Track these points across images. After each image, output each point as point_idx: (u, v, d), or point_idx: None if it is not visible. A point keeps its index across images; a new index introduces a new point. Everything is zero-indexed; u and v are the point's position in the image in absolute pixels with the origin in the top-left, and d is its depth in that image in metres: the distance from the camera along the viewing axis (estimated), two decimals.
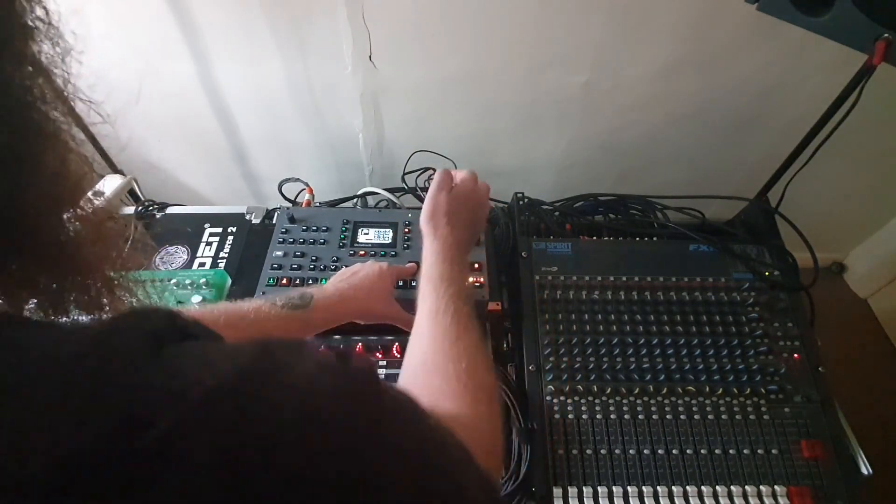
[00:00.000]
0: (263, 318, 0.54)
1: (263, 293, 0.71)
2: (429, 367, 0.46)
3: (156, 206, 1.01)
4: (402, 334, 0.76)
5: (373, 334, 0.75)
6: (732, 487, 0.64)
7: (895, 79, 0.74)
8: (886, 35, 0.59)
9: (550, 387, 0.71)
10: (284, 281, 0.72)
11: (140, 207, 1.00)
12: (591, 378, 0.71)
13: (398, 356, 0.74)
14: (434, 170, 1.02)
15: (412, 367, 0.47)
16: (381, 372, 0.73)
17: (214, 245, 0.94)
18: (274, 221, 0.86)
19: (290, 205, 0.94)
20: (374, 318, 0.69)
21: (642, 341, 0.75)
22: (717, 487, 0.64)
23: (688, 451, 0.67)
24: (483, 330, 0.54)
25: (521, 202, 0.92)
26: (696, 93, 1.28)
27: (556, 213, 0.96)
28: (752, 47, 1.16)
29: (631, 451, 0.66)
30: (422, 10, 1.10)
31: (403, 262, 0.76)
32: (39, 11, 0.23)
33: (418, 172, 1.01)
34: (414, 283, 0.73)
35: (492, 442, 0.41)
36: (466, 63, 1.21)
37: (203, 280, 0.82)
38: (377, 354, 0.74)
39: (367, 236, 0.79)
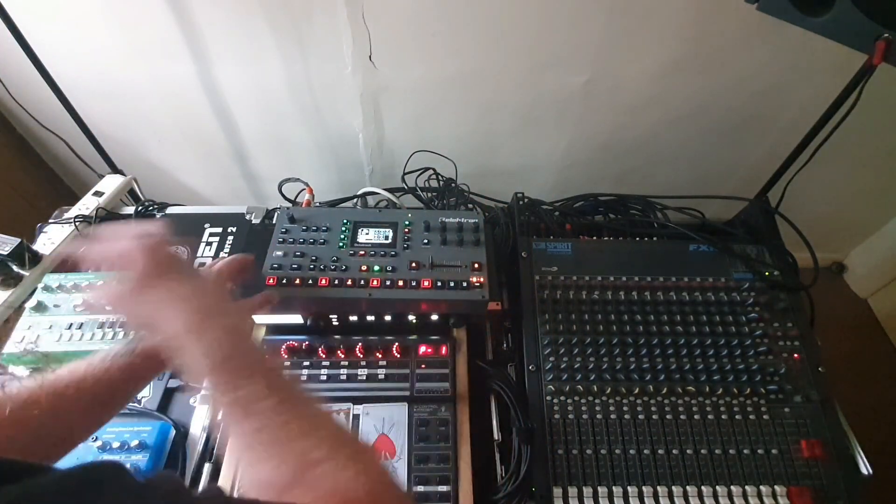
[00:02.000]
0: (91, 383, 0.46)
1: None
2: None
3: (156, 206, 1.01)
4: (403, 334, 0.76)
5: (373, 334, 0.75)
6: (732, 487, 0.64)
7: (895, 79, 0.74)
8: (886, 35, 0.59)
9: (550, 387, 0.71)
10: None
11: (140, 207, 1.00)
12: (591, 378, 0.71)
13: (398, 356, 0.74)
14: (434, 170, 1.02)
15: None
16: (382, 372, 0.73)
17: (214, 245, 0.94)
18: (274, 221, 0.86)
19: (290, 205, 0.94)
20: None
21: (642, 341, 0.75)
22: (717, 487, 0.64)
23: (688, 451, 0.67)
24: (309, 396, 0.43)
25: (521, 202, 0.92)
26: (696, 93, 1.28)
27: (556, 213, 0.96)
28: (752, 47, 1.16)
29: (631, 451, 0.66)
30: (422, 11, 1.10)
31: (404, 262, 0.75)
32: None
33: (418, 172, 1.01)
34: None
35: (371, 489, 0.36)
36: (466, 63, 1.21)
37: None
38: (377, 354, 0.74)
39: (367, 236, 0.79)
